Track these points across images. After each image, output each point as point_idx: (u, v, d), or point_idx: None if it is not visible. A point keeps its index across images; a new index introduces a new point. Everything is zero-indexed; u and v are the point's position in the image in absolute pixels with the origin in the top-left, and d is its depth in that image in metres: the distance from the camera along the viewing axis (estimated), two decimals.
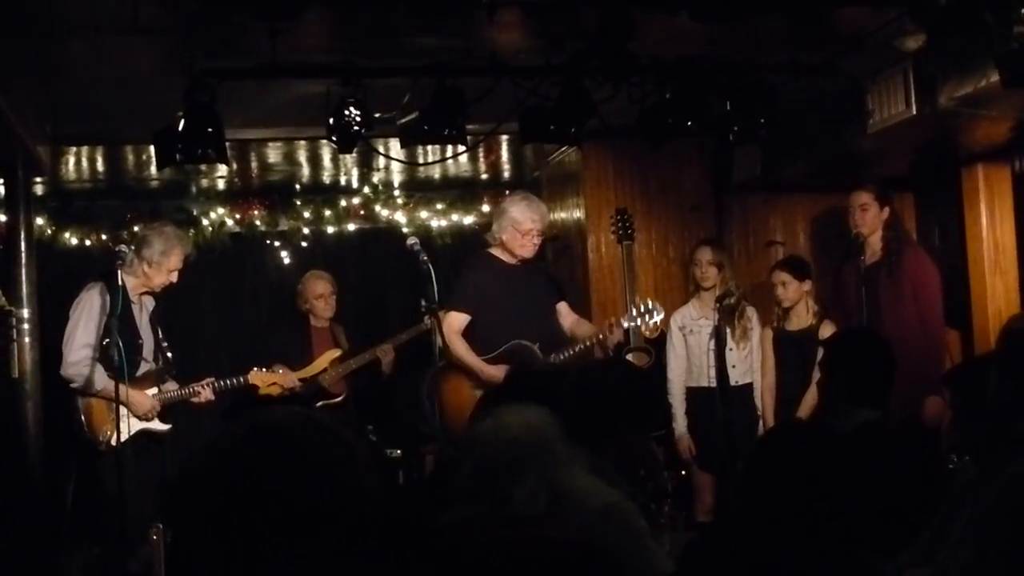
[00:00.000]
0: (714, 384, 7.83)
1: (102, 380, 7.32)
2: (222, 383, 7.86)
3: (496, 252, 7.74)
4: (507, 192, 10.12)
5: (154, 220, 9.04)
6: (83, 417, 7.37)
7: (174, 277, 7.66)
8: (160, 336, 7.75)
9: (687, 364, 8.18)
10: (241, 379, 8.02)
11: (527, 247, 7.63)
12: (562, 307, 7.88)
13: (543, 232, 7.75)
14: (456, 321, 7.59)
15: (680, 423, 8.08)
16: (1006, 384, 4.09)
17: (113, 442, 7.27)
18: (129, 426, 7.31)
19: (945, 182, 8.55)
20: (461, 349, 7.54)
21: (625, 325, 7.62)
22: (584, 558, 3.51)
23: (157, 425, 7.58)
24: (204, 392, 7.77)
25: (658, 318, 7.77)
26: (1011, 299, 8.25)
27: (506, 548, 3.52)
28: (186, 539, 1.88)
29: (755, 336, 8.18)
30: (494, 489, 3.60)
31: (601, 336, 7.58)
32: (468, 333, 7.62)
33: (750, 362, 8.14)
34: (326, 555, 1.85)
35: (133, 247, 7.53)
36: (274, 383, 8.24)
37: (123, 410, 7.17)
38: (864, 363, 5.56)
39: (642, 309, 7.69)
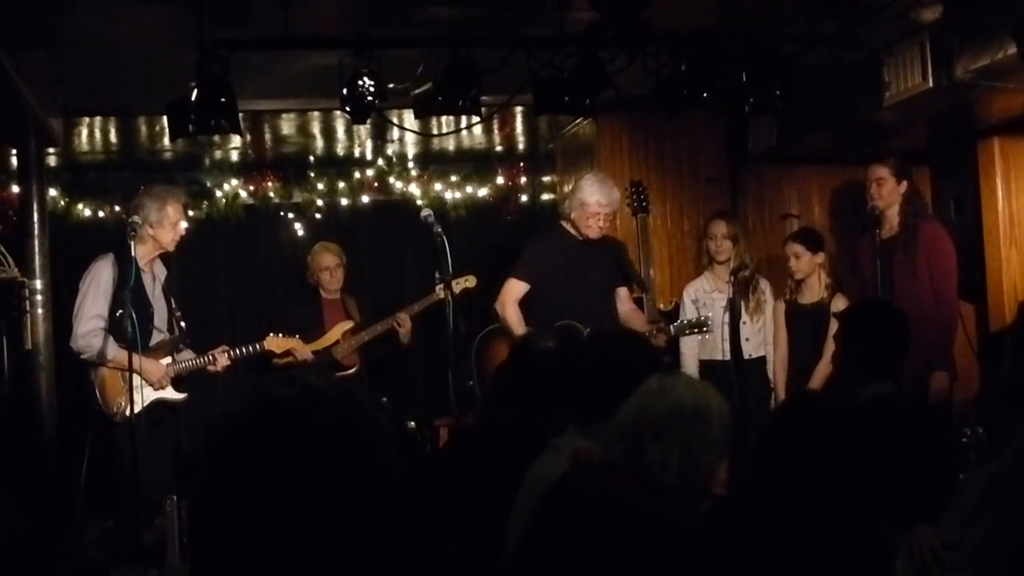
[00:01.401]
0: (728, 357, 7.83)
1: (113, 350, 7.33)
2: (238, 351, 7.88)
3: (568, 226, 7.72)
4: (521, 164, 10.15)
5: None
6: (97, 389, 7.38)
7: (182, 229, 7.66)
8: (173, 306, 7.76)
9: (700, 337, 8.16)
10: (257, 346, 8.03)
11: (592, 229, 7.58)
12: (622, 292, 7.80)
13: (611, 216, 7.69)
14: (515, 289, 7.58)
15: None
16: (1020, 358, 4.08)
17: (127, 413, 7.30)
18: (143, 396, 7.34)
19: (961, 155, 8.51)
20: (513, 319, 7.51)
21: (672, 334, 7.56)
22: (695, 549, 3.47)
23: (172, 394, 7.60)
24: (220, 360, 7.78)
25: (707, 335, 7.75)
26: None
27: (623, 507, 3.50)
28: (211, 511, 1.87)
29: (768, 309, 8.18)
30: (632, 438, 3.56)
31: (649, 337, 7.50)
32: (524, 304, 7.60)
33: (763, 335, 8.15)
34: (351, 536, 1.85)
35: (138, 218, 7.53)
36: (289, 349, 8.24)
37: (137, 381, 7.20)
38: (879, 335, 5.54)
39: (693, 320, 7.67)
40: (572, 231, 7.67)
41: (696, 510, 3.70)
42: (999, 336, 5.29)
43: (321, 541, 1.81)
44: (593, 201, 7.55)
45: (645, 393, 3.66)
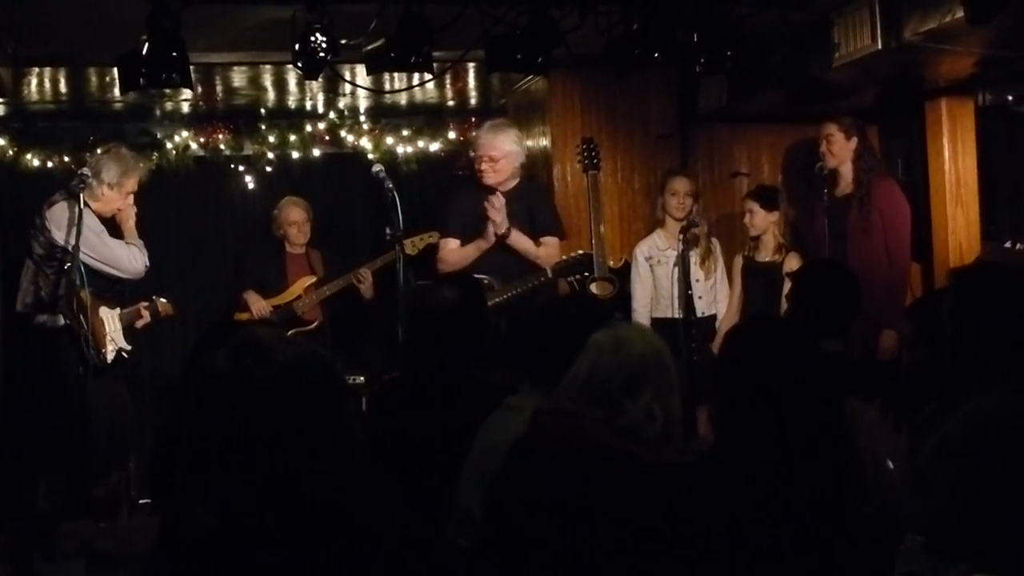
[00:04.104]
0: (679, 315, 7.89)
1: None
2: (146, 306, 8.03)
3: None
4: (473, 119, 10.14)
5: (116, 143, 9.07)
6: (91, 336, 7.39)
7: (130, 200, 7.74)
8: None
9: (653, 294, 8.20)
10: (153, 305, 8.15)
11: (483, 175, 7.77)
12: (548, 240, 7.90)
13: (488, 159, 7.75)
14: (447, 247, 7.78)
15: None
16: (966, 322, 4.11)
17: (109, 360, 7.40)
18: (108, 348, 7.44)
19: (909, 115, 8.60)
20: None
21: (550, 276, 7.54)
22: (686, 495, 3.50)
23: (125, 344, 7.71)
24: (144, 314, 7.88)
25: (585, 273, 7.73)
26: (972, 232, 8.33)
27: (611, 457, 3.53)
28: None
29: (719, 267, 8.22)
30: (607, 397, 3.59)
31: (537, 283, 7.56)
32: None
33: (715, 293, 8.20)
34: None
35: (89, 170, 7.58)
36: (168, 312, 8.26)
37: (109, 332, 7.29)
38: (829, 295, 5.62)
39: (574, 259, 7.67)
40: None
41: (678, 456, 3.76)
42: (930, 303, 5.33)
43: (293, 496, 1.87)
44: (474, 146, 7.89)
45: (600, 351, 3.68)
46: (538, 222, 7.89)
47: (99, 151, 7.81)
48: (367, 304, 8.76)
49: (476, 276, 7.35)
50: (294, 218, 8.82)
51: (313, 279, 8.73)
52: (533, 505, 3.55)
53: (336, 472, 1.97)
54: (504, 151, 7.79)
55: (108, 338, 7.54)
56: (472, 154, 7.90)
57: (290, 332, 8.37)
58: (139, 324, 7.91)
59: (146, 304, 7.94)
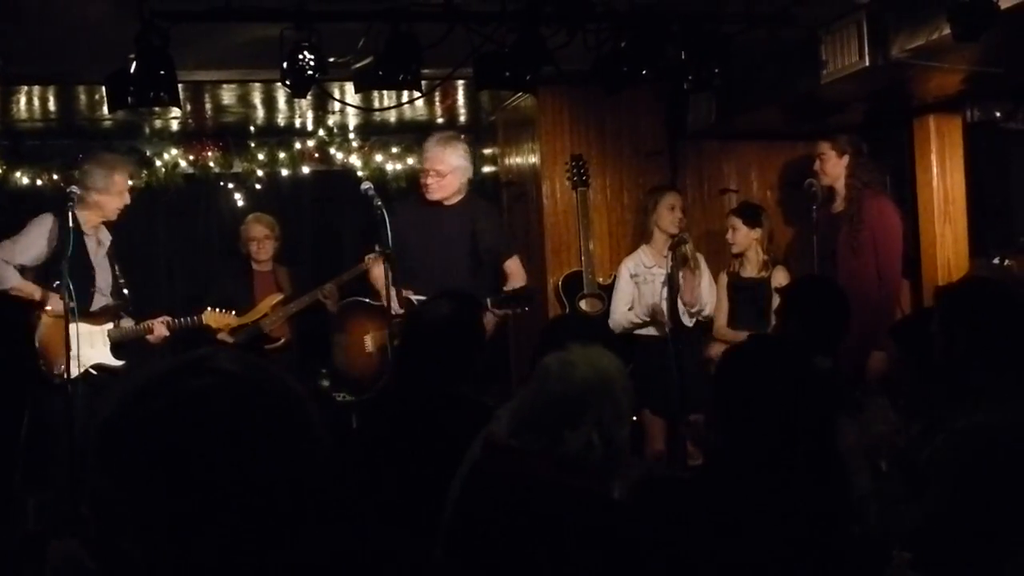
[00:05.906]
0: (667, 332, 7.88)
1: (16, 279, 7.45)
2: (177, 321, 7.92)
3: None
4: (462, 136, 10.13)
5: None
6: (39, 348, 7.37)
7: (127, 198, 7.79)
8: (117, 272, 7.81)
9: (639, 310, 8.18)
10: (194, 319, 8.06)
11: (425, 188, 7.70)
12: (510, 264, 7.84)
13: (434, 173, 7.67)
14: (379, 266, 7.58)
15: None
16: (957, 337, 4.12)
17: (66, 376, 7.34)
18: (81, 361, 7.35)
19: (897, 132, 8.62)
20: None
21: (490, 306, 7.30)
22: (627, 526, 3.50)
23: (110, 360, 7.63)
24: (158, 329, 7.82)
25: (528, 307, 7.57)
26: (960, 248, 8.34)
27: (554, 492, 3.49)
28: (121, 504, 1.84)
29: (706, 281, 8.22)
30: (548, 426, 3.53)
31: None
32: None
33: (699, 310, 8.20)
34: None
35: (78, 184, 7.61)
36: (227, 324, 8.24)
37: (74, 347, 7.21)
38: (818, 310, 5.63)
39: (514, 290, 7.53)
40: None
41: (617, 483, 3.75)
42: (915, 323, 5.33)
43: (247, 527, 1.80)
44: (422, 159, 7.80)
45: (546, 376, 3.63)
46: (484, 242, 7.73)
47: (83, 162, 7.84)
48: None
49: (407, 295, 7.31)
50: (253, 234, 8.81)
51: (280, 296, 8.67)
52: (486, 533, 3.53)
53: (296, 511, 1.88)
54: (452, 165, 7.67)
55: (72, 355, 7.40)
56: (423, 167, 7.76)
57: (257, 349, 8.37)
58: (151, 338, 7.87)
59: (164, 319, 7.88)
